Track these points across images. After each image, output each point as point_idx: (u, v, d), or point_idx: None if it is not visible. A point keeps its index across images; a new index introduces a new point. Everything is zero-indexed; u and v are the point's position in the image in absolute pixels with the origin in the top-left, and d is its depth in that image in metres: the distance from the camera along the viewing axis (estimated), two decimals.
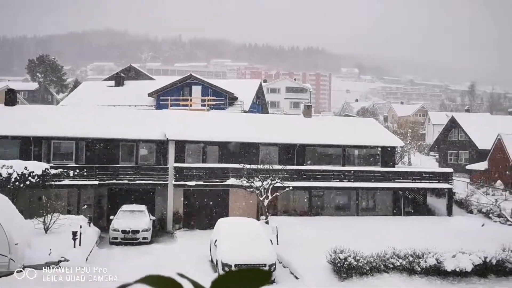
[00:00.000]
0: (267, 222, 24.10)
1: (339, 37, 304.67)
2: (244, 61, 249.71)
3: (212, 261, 18.35)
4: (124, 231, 22.26)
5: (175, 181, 26.67)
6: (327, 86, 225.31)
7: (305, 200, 29.14)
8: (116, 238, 22.33)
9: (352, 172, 29.15)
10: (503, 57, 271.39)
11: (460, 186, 37.81)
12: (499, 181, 39.97)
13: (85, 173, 25.88)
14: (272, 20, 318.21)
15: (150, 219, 23.91)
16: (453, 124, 56.62)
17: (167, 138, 27.68)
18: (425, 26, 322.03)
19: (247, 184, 25.33)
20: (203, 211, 27.42)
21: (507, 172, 39.76)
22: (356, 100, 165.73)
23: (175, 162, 27.37)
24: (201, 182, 26.88)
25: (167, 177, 27.01)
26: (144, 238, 22.56)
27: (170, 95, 41.65)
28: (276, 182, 25.30)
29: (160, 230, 25.69)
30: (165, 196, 27.24)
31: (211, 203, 27.94)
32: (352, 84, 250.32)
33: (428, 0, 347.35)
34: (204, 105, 40.83)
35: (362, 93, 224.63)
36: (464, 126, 53.70)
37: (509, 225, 24.75)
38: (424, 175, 30.49)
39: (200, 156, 29.21)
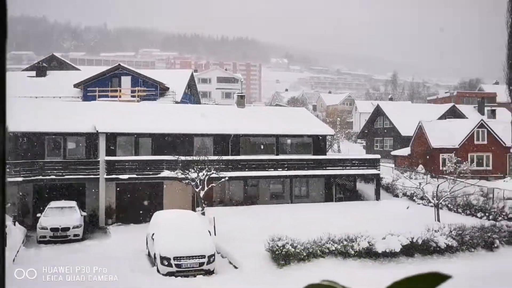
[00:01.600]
0: (203, 213, 24.01)
1: (268, 28, 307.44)
2: (173, 50, 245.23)
3: (149, 255, 18.00)
4: (53, 229, 21.24)
5: (106, 175, 25.80)
6: (257, 76, 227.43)
7: (241, 189, 29.32)
8: (45, 237, 21.26)
9: (286, 161, 29.73)
10: (422, 48, 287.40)
11: (386, 171, 39.77)
12: (420, 166, 42.49)
13: (7, 170, 24.27)
14: (200, 8, 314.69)
15: (81, 215, 22.99)
16: (378, 112, 59.30)
17: (97, 131, 26.67)
18: (350, 17, 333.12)
19: (182, 176, 25.03)
20: (137, 204, 26.74)
21: (427, 157, 42.35)
22: (286, 90, 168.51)
23: (107, 155, 26.45)
24: (134, 175, 26.21)
25: (98, 171, 26.08)
26: (75, 235, 21.66)
27: (98, 86, 40.04)
28: (212, 173, 25.22)
29: (92, 226, 24.78)
30: (96, 190, 26.28)
31: (145, 196, 27.35)
32: (281, 74, 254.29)
33: None
34: (134, 96, 39.71)
35: (292, 83, 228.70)
36: (388, 114, 56.40)
37: (431, 206, 26.35)
38: (353, 162, 31.72)
39: (133, 149, 28.45)
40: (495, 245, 19.39)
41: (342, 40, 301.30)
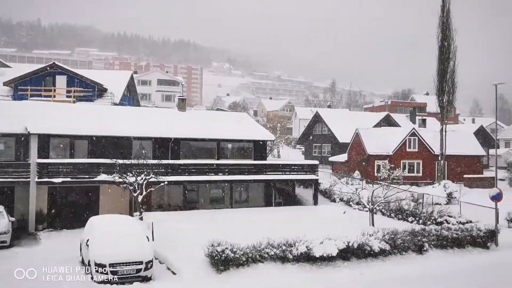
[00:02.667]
0: (141, 218, 23.44)
1: (210, 31, 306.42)
2: (112, 51, 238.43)
3: (83, 262, 17.29)
4: None
5: (38, 178, 24.52)
6: (198, 79, 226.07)
7: (180, 194, 28.92)
8: None
9: (226, 165, 29.68)
10: (359, 57, 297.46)
11: (324, 176, 40.80)
12: (357, 172, 43.93)
13: None
14: (142, 9, 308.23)
15: (9, 221, 21.68)
16: (317, 119, 60.70)
17: (29, 132, 25.32)
18: (292, 25, 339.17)
19: (120, 180, 24.32)
20: (71, 209, 25.62)
21: (363, 163, 43.87)
22: (228, 95, 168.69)
23: (38, 157, 25.16)
24: (68, 179, 25.10)
25: (29, 174, 24.75)
26: (2, 242, 20.40)
27: (30, 85, 38.21)
28: (151, 177, 24.70)
29: (21, 232, 23.42)
30: (26, 194, 24.91)
31: (80, 200, 26.32)
32: (223, 78, 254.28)
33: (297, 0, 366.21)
34: (70, 97, 38.17)
35: (233, 88, 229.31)
36: (327, 121, 57.89)
37: (366, 211, 27.27)
38: (293, 167, 32.20)
39: (68, 151, 27.30)
40: (425, 248, 20.34)
41: (282, 47, 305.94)
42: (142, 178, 24.27)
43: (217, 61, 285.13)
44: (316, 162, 34.16)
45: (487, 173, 48.05)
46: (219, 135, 31.34)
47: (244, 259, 16.79)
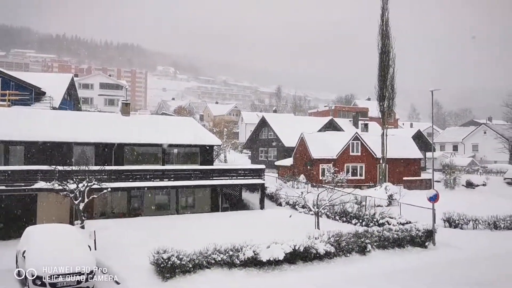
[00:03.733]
0: (82, 227, 22.57)
1: (155, 35, 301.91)
2: (50, 52, 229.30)
3: (19, 274, 16.36)
4: None
5: None
6: (143, 84, 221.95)
7: (124, 201, 28.15)
8: None
9: (172, 171, 29.24)
10: (303, 63, 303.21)
11: (271, 181, 41.10)
12: (302, 175, 44.60)
13: None
14: (82, 11, 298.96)
15: None
16: (263, 123, 61.12)
17: None
18: (237, 30, 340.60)
19: (60, 187, 23.29)
20: (5, 219, 24.24)
21: (308, 167, 44.59)
22: (173, 99, 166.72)
23: None
24: (2, 187, 23.79)
25: None
26: None
27: None
28: (93, 184, 23.85)
29: None
30: None
31: (16, 210, 24.94)
32: (168, 82, 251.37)
33: (242, 4, 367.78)
34: (4, 100, 36.21)
35: (179, 92, 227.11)
36: (273, 125, 58.42)
37: (312, 214, 27.69)
38: (240, 172, 32.21)
39: (1, 157, 25.87)
40: (368, 249, 20.90)
41: (228, 51, 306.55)
42: (83, 185, 23.38)
43: (162, 64, 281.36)
44: (263, 166, 34.37)
45: (424, 175, 50.23)
46: (165, 140, 30.83)
47: (190, 266, 16.55)
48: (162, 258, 16.15)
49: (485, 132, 78.97)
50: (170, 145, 31.27)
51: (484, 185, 48.53)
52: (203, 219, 26.67)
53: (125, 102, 35.63)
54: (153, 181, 28.24)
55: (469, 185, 47.74)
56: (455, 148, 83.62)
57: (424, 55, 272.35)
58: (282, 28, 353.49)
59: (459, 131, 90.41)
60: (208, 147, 33.14)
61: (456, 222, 28.65)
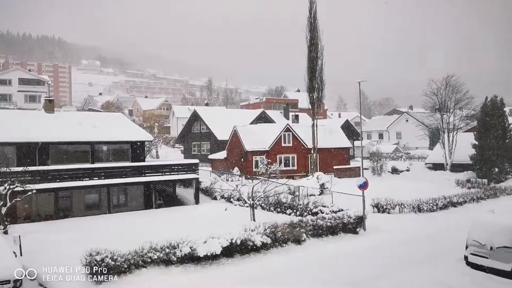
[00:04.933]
0: (5, 232, 21.28)
1: (78, 27, 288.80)
2: None
3: None
4: None
5: None
6: (67, 78, 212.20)
7: (51, 202, 26.80)
8: None
9: (102, 169, 28.25)
10: (234, 54, 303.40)
11: (205, 175, 40.87)
12: (236, 168, 44.78)
13: None
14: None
15: None
16: (195, 117, 60.59)
17: None
18: (166, 22, 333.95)
19: None
20: None
21: (242, 159, 44.83)
22: (100, 94, 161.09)
23: None
24: None
25: None
26: None
27: None
28: (16, 186, 22.49)
29: None
30: None
31: None
32: (94, 77, 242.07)
33: None
34: None
35: (106, 87, 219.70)
36: (205, 119, 58.10)
37: (247, 206, 27.91)
38: (173, 167, 31.73)
39: None
40: (303, 239, 21.40)
41: (156, 44, 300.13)
42: (5, 188, 21.99)
43: (86, 58, 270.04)
44: (196, 161, 34.08)
45: (353, 164, 52.21)
46: (93, 137, 29.68)
47: (126, 266, 16.07)
48: (95, 260, 15.54)
49: (407, 120, 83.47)
50: (99, 142, 30.17)
51: (407, 170, 51.38)
52: (137, 217, 26.05)
53: (48, 98, 33.80)
54: (82, 180, 27.13)
55: (394, 171, 50.33)
56: (381, 136, 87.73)
57: (352, 46, 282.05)
58: (210, 21, 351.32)
59: (384, 119, 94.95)
60: (139, 143, 32.32)
61: (384, 207, 30.03)
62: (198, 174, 32.47)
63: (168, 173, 31.12)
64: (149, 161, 37.40)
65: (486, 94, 46.87)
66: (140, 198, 31.26)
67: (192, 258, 17.68)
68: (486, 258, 17.52)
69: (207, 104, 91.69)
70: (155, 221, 24.75)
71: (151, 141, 46.91)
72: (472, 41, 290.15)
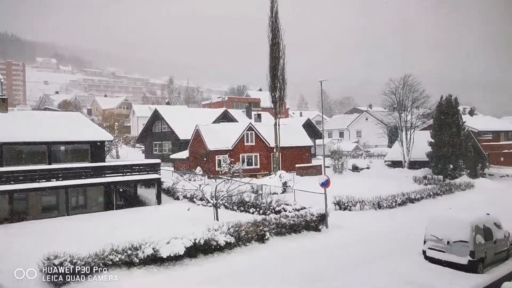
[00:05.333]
0: None
1: (32, 24, 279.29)
2: None
3: None
4: None
5: None
6: (21, 76, 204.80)
7: (6, 205, 25.77)
8: None
9: (60, 170, 27.42)
10: (197, 53, 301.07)
11: (167, 175, 40.39)
12: (198, 168, 44.48)
13: None
14: None
15: None
16: (156, 116, 59.77)
17: None
18: (126, 19, 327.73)
19: None
20: None
21: (204, 159, 44.57)
22: (57, 93, 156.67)
23: None
24: None
25: None
26: None
27: None
28: None
29: None
30: None
31: None
32: (50, 75, 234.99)
33: None
34: None
35: (63, 85, 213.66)
36: (167, 118, 57.43)
37: (210, 206, 27.75)
38: (134, 167, 31.17)
39: None
40: (266, 237, 21.47)
41: (117, 42, 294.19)
42: None
43: (42, 56, 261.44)
44: (158, 160, 33.63)
45: (315, 162, 52.87)
46: (50, 137, 28.78)
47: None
48: (54, 264, 15.07)
49: (366, 119, 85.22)
50: (57, 143, 29.28)
51: (368, 168, 52.47)
52: (97, 219, 25.43)
53: (1, 97, 32.49)
54: (39, 182, 26.24)
55: (355, 168, 51.28)
56: (341, 134, 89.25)
57: (312, 47, 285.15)
58: (172, 18, 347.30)
59: (344, 118, 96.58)
60: (98, 143, 31.57)
61: (345, 204, 30.55)
62: (160, 174, 32.03)
63: (129, 174, 30.56)
64: (109, 161, 36.60)
65: (441, 93, 48.47)
66: (100, 199, 30.52)
67: (155, 260, 17.43)
68: (443, 252, 18.13)
69: (168, 103, 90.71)
70: (116, 223, 24.24)
71: (111, 141, 45.94)
72: (428, 42, 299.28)
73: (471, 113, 71.06)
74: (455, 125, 45.76)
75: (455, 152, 44.90)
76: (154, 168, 31.90)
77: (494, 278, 17.15)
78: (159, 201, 31.26)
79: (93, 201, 30.30)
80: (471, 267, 17.32)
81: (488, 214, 19.88)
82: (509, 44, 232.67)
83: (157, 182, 31.62)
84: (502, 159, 59.66)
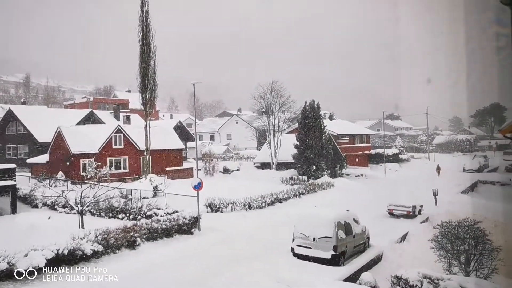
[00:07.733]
0: None
1: None
2: None
3: None
4: None
5: None
6: None
7: None
8: None
9: None
10: (60, 50, 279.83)
11: (23, 181, 36.86)
12: (60, 172, 41.33)
13: None
14: None
15: None
16: (10, 117, 54.40)
17: None
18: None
19: None
20: None
21: (67, 163, 41.57)
22: None
23: None
24: None
25: None
26: None
27: None
28: None
29: None
30: None
31: None
32: None
33: None
34: None
35: None
36: (22, 119, 52.60)
37: (75, 213, 25.84)
38: None
39: None
40: (137, 243, 20.65)
41: None
42: None
43: None
44: (13, 165, 30.57)
45: (186, 165, 52.51)
46: None
47: None
48: None
49: (237, 122, 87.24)
50: None
51: (238, 170, 53.62)
52: None
53: None
54: None
55: (226, 171, 52.06)
56: (212, 137, 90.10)
57: (184, 48, 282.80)
58: (28, 11, 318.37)
59: (215, 121, 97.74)
60: None
61: (217, 206, 30.81)
62: (15, 181, 29.04)
63: None
64: None
65: (305, 98, 51.57)
66: None
67: (10, 275, 15.64)
68: (310, 248, 19.19)
69: (24, 103, 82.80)
70: None
71: None
72: (294, 51, 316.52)
73: (331, 117, 76.67)
74: (318, 129, 49.00)
75: (318, 153, 48.07)
76: (8, 173, 28.92)
77: (354, 269, 18.62)
78: (13, 210, 28.33)
79: None
80: (334, 261, 18.58)
81: (348, 210, 21.58)
82: (356, 55, 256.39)
83: (12, 189, 28.60)
84: (357, 160, 65.61)
